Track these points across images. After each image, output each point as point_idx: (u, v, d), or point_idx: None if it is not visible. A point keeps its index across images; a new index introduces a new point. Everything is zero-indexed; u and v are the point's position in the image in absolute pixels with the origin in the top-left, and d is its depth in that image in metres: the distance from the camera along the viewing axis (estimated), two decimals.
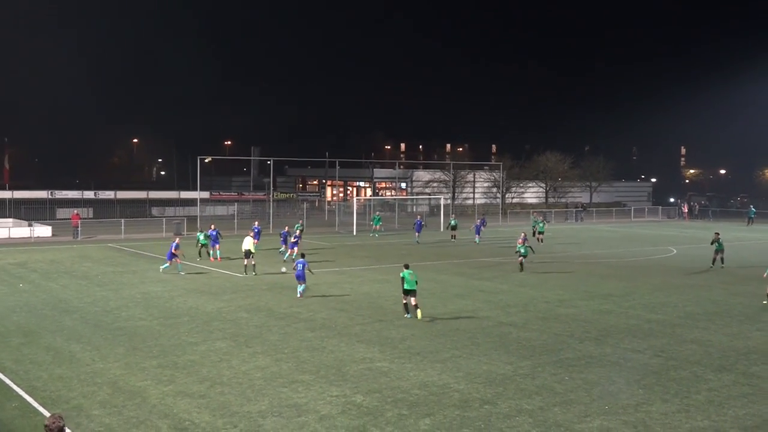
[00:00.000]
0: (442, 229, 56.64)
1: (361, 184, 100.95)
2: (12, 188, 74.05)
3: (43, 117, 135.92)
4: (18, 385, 15.92)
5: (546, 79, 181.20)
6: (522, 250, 34.07)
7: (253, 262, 32.62)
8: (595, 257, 41.51)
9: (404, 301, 23.42)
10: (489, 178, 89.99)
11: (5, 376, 16.64)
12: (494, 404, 15.02)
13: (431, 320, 22.93)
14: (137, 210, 68.81)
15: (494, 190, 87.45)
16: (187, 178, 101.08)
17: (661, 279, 32.68)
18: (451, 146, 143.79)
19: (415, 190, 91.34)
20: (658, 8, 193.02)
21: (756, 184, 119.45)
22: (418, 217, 53.52)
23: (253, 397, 15.29)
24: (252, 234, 35.37)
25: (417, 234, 48.64)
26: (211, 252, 37.44)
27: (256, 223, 42.10)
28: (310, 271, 27.54)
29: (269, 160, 67.08)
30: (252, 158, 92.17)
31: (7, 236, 48.30)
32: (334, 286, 29.48)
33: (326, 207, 75.00)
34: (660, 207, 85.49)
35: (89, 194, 76.27)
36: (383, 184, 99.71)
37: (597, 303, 26.44)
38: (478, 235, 48.94)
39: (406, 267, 23.65)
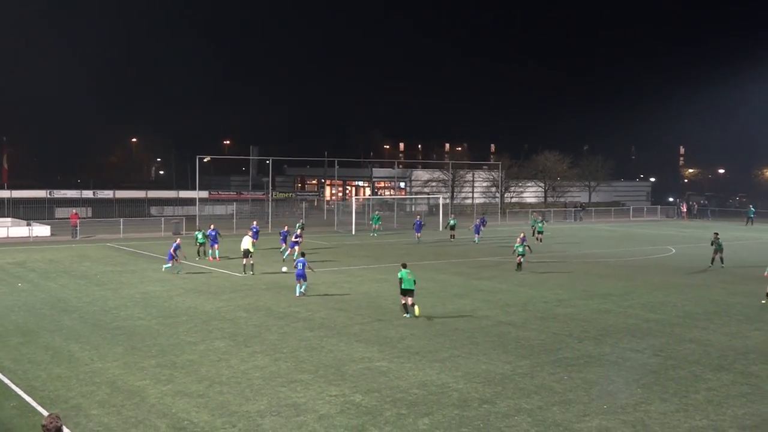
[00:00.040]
0: (440, 229, 56.64)
1: (360, 183, 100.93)
2: (10, 187, 74.02)
3: (42, 116, 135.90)
4: (17, 385, 15.91)
5: (545, 78, 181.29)
6: (519, 249, 34.04)
7: (251, 262, 32.61)
8: (594, 257, 41.52)
9: (403, 302, 23.42)
10: (488, 178, 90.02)
11: (4, 375, 16.63)
12: (493, 404, 15.02)
13: (430, 319, 22.93)
14: (136, 209, 68.77)
15: (493, 189, 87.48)
16: (186, 177, 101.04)
17: (659, 278, 32.69)
18: (449, 146, 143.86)
19: (414, 189, 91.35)
20: (658, 8, 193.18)
21: (755, 183, 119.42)
22: (418, 216, 53.52)
23: (251, 397, 15.28)
24: (250, 233, 35.37)
25: (418, 234, 48.56)
26: (210, 251, 37.42)
27: (255, 222, 42.09)
28: (311, 269, 27.62)
29: (268, 160, 67.05)
30: (251, 158, 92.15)
31: (5, 236, 48.26)
32: (333, 285, 29.47)
33: (325, 206, 75.01)
34: (659, 206, 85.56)
35: (88, 194, 76.20)
36: (382, 184, 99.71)
37: (596, 302, 26.45)
38: (478, 234, 48.92)
39: (404, 266, 23.66)
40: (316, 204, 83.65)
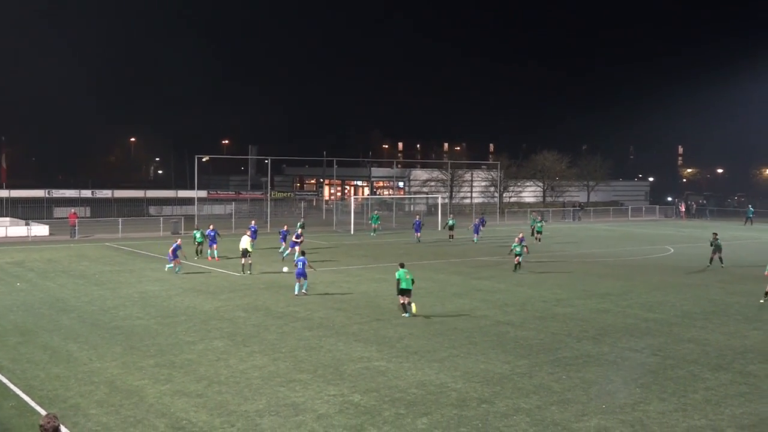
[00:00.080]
0: (439, 228, 56.64)
1: (359, 183, 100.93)
2: (9, 187, 73.98)
3: (41, 116, 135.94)
4: (15, 385, 15.90)
5: (544, 78, 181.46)
6: (517, 249, 33.87)
7: (249, 262, 32.61)
8: (593, 256, 41.54)
9: (401, 302, 23.42)
10: (486, 177, 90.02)
11: (2, 375, 16.62)
12: (492, 403, 15.02)
13: (428, 318, 22.93)
14: (134, 209, 68.74)
15: (492, 189, 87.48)
16: (185, 177, 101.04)
17: (658, 278, 32.70)
18: (448, 145, 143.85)
19: (413, 189, 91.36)
20: (656, 8, 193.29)
21: (753, 183, 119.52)
22: (417, 216, 53.49)
23: (250, 397, 15.28)
24: (249, 233, 35.36)
25: (418, 234, 48.51)
26: (208, 251, 37.41)
27: (253, 222, 42.07)
28: (311, 268, 27.66)
29: (267, 159, 67.04)
30: (249, 157, 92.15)
31: (4, 235, 48.25)
32: (331, 285, 29.48)
33: (324, 206, 75.00)
34: (657, 206, 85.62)
35: (86, 193, 76.20)
36: (381, 184, 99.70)
37: (594, 302, 26.46)
38: (477, 234, 48.93)
39: (402, 266, 23.68)
40: (314, 204, 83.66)
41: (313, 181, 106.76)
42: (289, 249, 36.98)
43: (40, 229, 50.10)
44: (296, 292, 26.82)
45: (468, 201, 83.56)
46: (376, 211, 58.15)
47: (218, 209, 72.27)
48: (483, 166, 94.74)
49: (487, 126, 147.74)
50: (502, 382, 16.49)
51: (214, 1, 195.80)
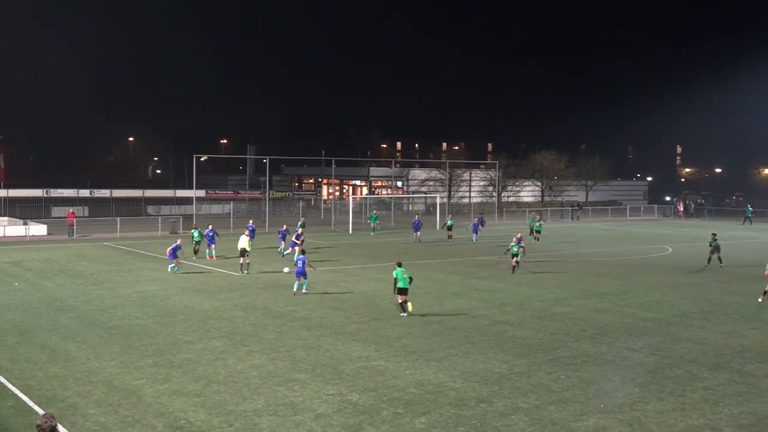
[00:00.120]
0: (437, 228, 56.64)
1: (357, 182, 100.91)
2: (7, 186, 73.82)
3: (39, 115, 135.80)
4: (13, 384, 15.88)
5: (542, 78, 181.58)
6: (514, 249, 33.53)
7: (248, 261, 32.60)
8: (591, 256, 41.56)
9: (400, 301, 23.43)
10: (485, 177, 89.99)
11: (0, 374, 16.59)
12: (490, 403, 15.03)
13: (426, 317, 22.93)
14: (133, 208, 68.69)
15: (490, 188, 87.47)
16: (183, 176, 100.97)
17: (656, 277, 32.72)
18: (447, 145, 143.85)
19: (411, 188, 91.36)
20: (655, 8, 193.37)
21: (751, 183, 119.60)
22: (416, 216, 53.49)
23: (248, 396, 15.27)
24: (247, 232, 35.35)
25: (418, 233, 48.46)
26: (207, 251, 37.39)
27: (251, 221, 42.07)
28: (311, 267, 27.69)
29: (265, 159, 67.00)
30: (248, 157, 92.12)
31: (2, 235, 48.23)
32: (330, 284, 29.47)
33: (322, 206, 74.99)
34: (656, 206, 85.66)
35: (85, 193, 76.16)
36: (379, 183, 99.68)
37: (593, 301, 26.47)
38: (476, 234, 48.93)
39: (399, 265, 23.70)
40: (313, 203, 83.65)
41: (311, 181, 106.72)
42: (290, 249, 36.96)
43: (39, 229, 50.10)
44: (295, 290, 26.87)
45: (466, 201, 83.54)
46: (374, 211, 58.15)
47: (216, 209, 72.25)
48: (481, 166, 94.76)
49: (486, 126, 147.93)
50: (500, 381, 16.49)
51: (214, 1, 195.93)
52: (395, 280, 23.30)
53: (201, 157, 68.28)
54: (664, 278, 32.54)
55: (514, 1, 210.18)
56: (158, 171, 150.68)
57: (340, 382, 16.25)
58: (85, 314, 23.43)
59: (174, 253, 32.32)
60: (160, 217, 56.27)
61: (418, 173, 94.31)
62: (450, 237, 48.99)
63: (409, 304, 23.32)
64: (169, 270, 32.45)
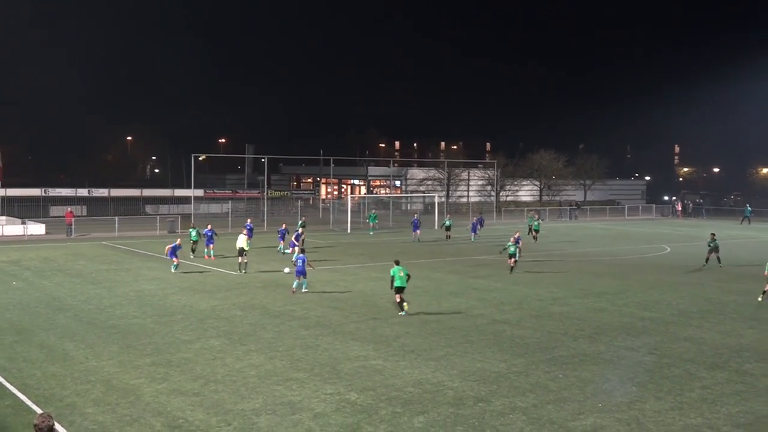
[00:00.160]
0: (436, 227, 56.66)
1: (356, 182, 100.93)
2: (5, 186, 73.74)
3: (38, 115, 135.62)
4: (11, 383, 15.87)
5: (540, 77, 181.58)
6: (511, 250, 33.27)
7: (245, 261, 32.59)
8: (589, 255, 41.58)
9: (397, 300, 23.45)
10: (483, 176, 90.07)
11: None
12: (488, 402, 15.03)
13: (424, 316, 22.93)
14: (131, 208, 68.66)
15: (488, 188, 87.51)
16: (182, 175, 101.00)
17: (654, 277, 32.75)
18: (445, 144, 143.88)
19: (410, 188, 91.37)
20: (654, 8, 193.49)
21: (749, 182, 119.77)
22: (415, 215, 53.54)
23: (247, 395, 15.27)
24: (245, 232, 35.34)
25: (418, 231, 48.39)
26: (205, 250, 37.38)
27: (249, 220, 42.04)
28: (311, 266, 27.72)
29: (263, 158, 67.00)
30: (246, 156, 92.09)
31: (0, 234, 48.16)
32: (328, 283, 29.47)
33: (321, 205, 74.98)
34: (654, 205, 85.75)
35: (83, 192, 76.19)
36: (378, 182, 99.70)
37: (591, 301, 26.49)
38: (474, 233, 48.93)
39: (397, 263, 23.73)
40: (311, 202, 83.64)
41: (310, 180, 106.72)
42: (290, 248, 36.96)
43: (37, 228, 50.06)
44: (294, 286, 26.96)
45: (465, 200, 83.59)
46: (373, 210, 58.15)
47: (215, 208, 72.24)
48: (480, 165, 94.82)
49: (484, 126, 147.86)
50: (498, 380, 16.50)
51: (215, 1, 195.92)
52: (392, 278, 23.34)
53: (199, 157, 68.30)
54: (662, 278, 32.56)
55: (514, 1, 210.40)
56: (156, 170, 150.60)
57: (339, 382, 16.25)
58: (83, 313, 23.42)
59: (174, 252, 32.31)
60: (158, 217, 56.26)
61: (417, 172, 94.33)
62: (448, 237, 48.99)
63: (406, 304, 23.34)
64: (173, 271, 32.28)
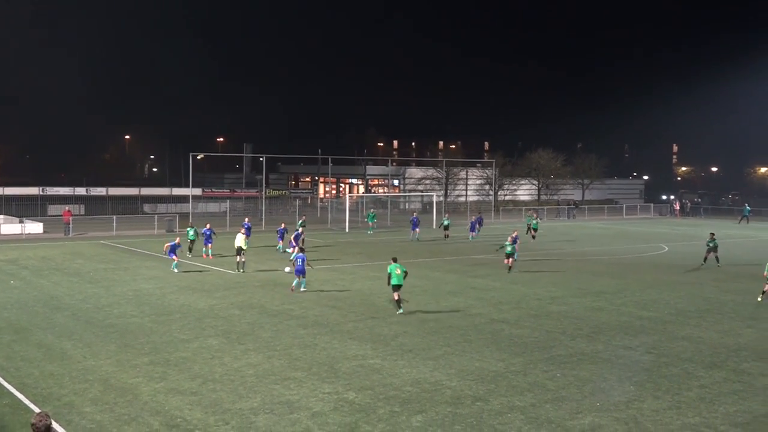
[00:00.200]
0: (434, 226, 56.64)
1: (354, 181, 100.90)
2: (2, 184, 73.74)
3: (35, 113, 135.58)
4: (9, 382, 15.85)
5: (538, 77, 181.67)
6: (508, 249, 33.22)
7: (243, 260, 32.57)
8: (587, 254, 41.60)
9: (395, 298, 23.46)
10: (482, 176, 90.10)
11: None
12: (486, 401, 15.04)
13: (422, 315, 22.93)
14: (129, 207, 68.58)
15: (487, 187, 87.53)
16: (180, 174, 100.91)
17: (652, 276, 32.77)
18: (443, 143, 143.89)
19: (408, 187, 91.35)
20: (652, 7, 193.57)
21: (747, 181, 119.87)
22: (414, 214, 53.49)
23: (245, 394, 15.26)
24: (243, 231, 35.32)
25: (417, 230, 48.33)
26: (203, 249, 37.34)
27: (247, 219, 42.02)
28: (309, 266, 27.74)
29: (261, 157, 66.99)
30: (244, 155, 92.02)
31: None
32: (326, 283, 29.47)
33: (319, 204, 74.95)
34: (652, 204, 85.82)
35: (81, 191, 76.07)
36: (376, 181, 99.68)
37: (589, 300, 26.50)
38: (473, 232, 48.89)
39: (394, 260, 23.74)
40: (309, 202, 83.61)
41: (308, 179, 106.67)
42: (291, 248, 36.95)
43: (34, 227, 49.98)
44: (294, 284, 27.03)
45: (463, 199, 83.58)
46: (371, 210, 58.14)
47: (213, 207, 72.17)
48: (478, 164, 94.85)
49: (484, 125, 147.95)
50: (496, 379, 16.51)
51: (215, 1, 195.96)
52: (389, 276, 23.36)
53: (197, 155, 68.24)
54: (660, 277, 32.58)
55: (514, 1, 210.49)
56: (155, 169, 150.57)
57: (337, 381, 16.24)
58: (81, 312, 23.39)
59: (173, 251, 32.29)
60: (156, 216, 56.19)
61: (415, 172, 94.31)
62: (447, 236, 48.99)
63: (402, 303, 23.36)
64: (176, 270, 32.20)
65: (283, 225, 41.36)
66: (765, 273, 27.26)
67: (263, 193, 66.44)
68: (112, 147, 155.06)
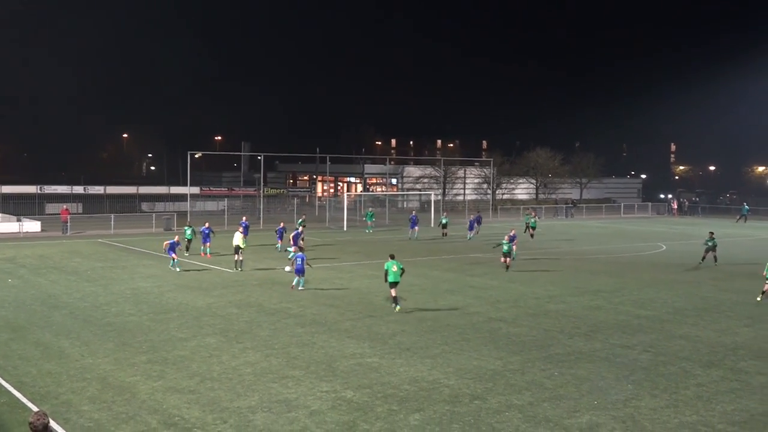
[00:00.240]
0: (432, 225, 56.66)
1: (352, 179, 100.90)
2: (0, 183, 73.67)
3: (33, 111, 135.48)
4: (6, 381, 15.84)
5: (540, 77, 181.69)
6: (505, 248, 33.11)
7: (241, 258, 32.55)
8: (585, 253, 41.63)
9: (393, 295, 23.47)
10: (479, 174, 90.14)
11: None
12: (484, 399, 15.05)
13: (420, 314, 22.95)
14: (127, 205, 68.57)
15: (485, 186, 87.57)
16: (178, 173, 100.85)
17: (650, 275, 32.80)
18: (441, 142, 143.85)
19: (406, 186, 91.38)
20: (652, 7, 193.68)
21: (745, 180, 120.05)
22: (413, 212, 53.48)
23: (243, 393, 15.27)
24: (240, 229, 35.31)
25: (416, 229, 48.27)
26: (201, 248, 37.32)
27: (244, 218, 42.01)
28: (309, 265, 27.76)
29: (260, 156, 66.97)
30: (242, 153, 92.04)
31: None
32: (324, 281, 29.47)
33: (317, 203, 74.96)
34: (650, 203, 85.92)
35: (78, 189, 75.99)
36: (374, 180, 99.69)
37: (587, 299, 26.53)
38: (471, 231, 48.93)
39: (392, 257, 23.75)
40: (307, 200, 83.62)
41: (306, 178, 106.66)
42: (293, 247, 36.90)
43: (32, 225, 49.93)
44: (294, 283, 27.12)
45: (461, 198, 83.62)
46: (370, 208, 58.13)
47: (211, 206, 72.16)
48: (476, 163, 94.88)
49: (483, 125, 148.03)
50: (494, 378, 16.52)
51: (215, 1, 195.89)
52: (386, 273, 23.38)
53: (195, 154, 68.17)
54: (657, 276, 32.62)
55: (514, 1, 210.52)
56: (152, 168, 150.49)
57: (335, 379, 16.25)
58: (78, 311, 23.38)
59: (173, 249, 32.26)
60: (154, 214, 56.17)
61: (413, 170, 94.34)
62: (445, 234, 49.01)
63: (398, 301, 23.38)
64: (178, 269, 32.15)
65: (282, 224, 41.32)
66: (765, 273, 27.29)
67: (261, 191, 66.38)
68: (110, 146, 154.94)
